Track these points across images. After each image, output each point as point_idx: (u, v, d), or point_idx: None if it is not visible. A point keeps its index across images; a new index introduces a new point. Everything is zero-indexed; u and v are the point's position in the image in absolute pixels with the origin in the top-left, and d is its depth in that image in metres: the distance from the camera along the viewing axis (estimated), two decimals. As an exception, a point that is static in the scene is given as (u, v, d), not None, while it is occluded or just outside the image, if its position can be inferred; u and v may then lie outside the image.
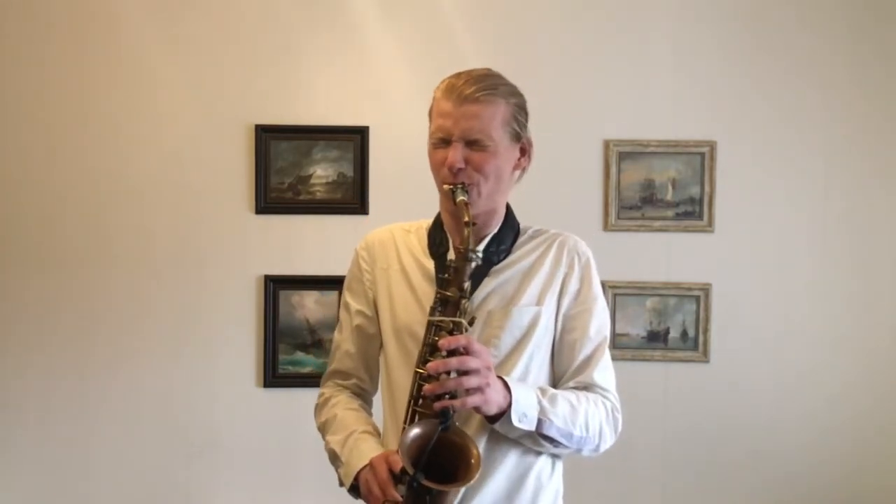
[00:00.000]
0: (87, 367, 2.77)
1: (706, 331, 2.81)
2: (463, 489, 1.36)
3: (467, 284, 1.39)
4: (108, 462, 2.78)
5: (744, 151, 2.81)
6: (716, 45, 2.80)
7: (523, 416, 1.37)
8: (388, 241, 1.62)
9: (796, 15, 2.80)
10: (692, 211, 2.81)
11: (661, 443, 2.82)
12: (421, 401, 1.37)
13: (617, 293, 2.75)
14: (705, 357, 2.82)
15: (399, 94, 2.78)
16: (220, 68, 2.77)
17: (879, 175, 2.82)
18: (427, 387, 1.33)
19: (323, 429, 1.60)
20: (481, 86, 1.46)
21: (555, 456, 1.52)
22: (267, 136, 2.77)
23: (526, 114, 1.55)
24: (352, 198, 2.79)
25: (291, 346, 2.80)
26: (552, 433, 1.40)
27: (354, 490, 1.46)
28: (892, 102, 2.81)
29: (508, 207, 1.58)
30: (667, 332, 2.82)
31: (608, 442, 1.50)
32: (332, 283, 2.77)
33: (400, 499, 1.32)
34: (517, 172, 1.55)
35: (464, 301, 1.39)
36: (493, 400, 1.34)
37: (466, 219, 1.39)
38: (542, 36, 2.80)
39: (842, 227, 2.82)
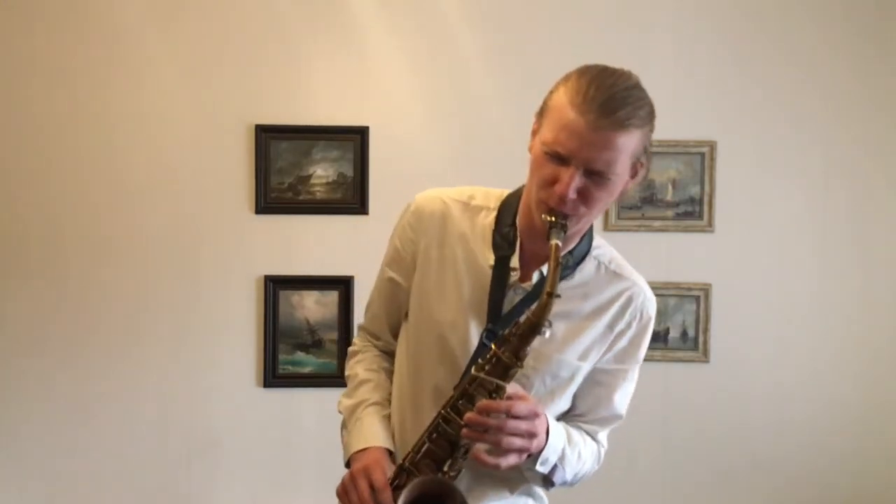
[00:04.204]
0: (87, 367, 2.77)
1: (706, 331, 2.81)
2: None
3: (526, 354, 1.28)
4: (108, 462, 2.78)
5: (744, 151, 2.81)
6: (716, 45, 2.80)
7: (545, 461, 1.35)
8: (439, 214, 1.44)
9: (796, 15, 2.80)
10: (692, 211, 2.81)
11: (661, 443, 2.82)
12: (436, 437, 1.33)
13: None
14: (705, 357, 2.82)
15: (399, 94, 2.78)
16: (220, 68, 2.77)
17: (879, 175, 2.82)
18: (465, 431, 1.26)
19: (346, 382, 1.58)
20: (624, 112, 1.25)
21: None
22: (267, 136, 2.77)
23: (652, 132, 1.35)
24: (352, 198, 2.79)
25: (291, 346, 2.80)
26: (556, 478, 1.40)
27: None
28: (892, 102, 2.81)
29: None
30: (667, 332, 2.82)
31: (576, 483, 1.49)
32: (332, 283, 2.78)
33: None
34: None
35: (516, 369, 1.29)
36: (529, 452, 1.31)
37: (549, 289, 1.23)
38: (541, 36, 2.80)
39: (842, 227, 2.82)
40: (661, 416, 2.82)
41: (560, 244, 1.26)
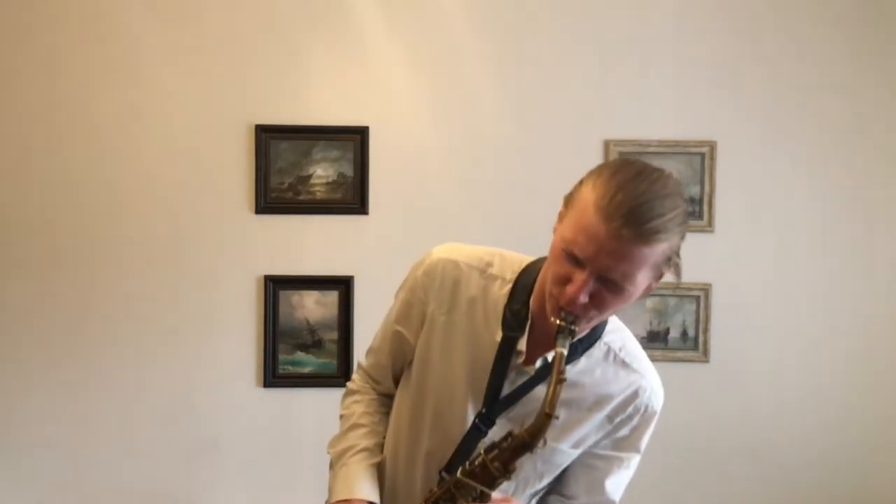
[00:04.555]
0: (86, 367, 2.77)
1: (706, 331, 2.81)
2: None
3: (515, 468, 1.25)
4: (108, 462, 2.78)
5: (744, 151, 2.81)
6: (716, 45, 2.80)
7: None
8: (451, 279, 1.38)
9: (796, 15, 2.80)
10: (692, 211, 2.81)
11: (661, 442, 2.81)
12: None
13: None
14: (705, 357, 2.82)
15: (399, 94, 2.78)
16: (220, 68, 2.77)
17: (878, 175, 2.82)
18: None
19: (340, 422, 1.56)
20: (652, 225, 1.14)
21: None
22: (267, 136, 2.77)
23: (683, 239, 1.23)
24: (352, 198, 2.79)
25: (291, 346, 2.80)
26: None
27: None
28: (892, 102, 2.81)
29: None
30: (667, 332, 2.82)
31: None
32: (333, 283, 2.78)
33: None
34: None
35: (503, 480, 1.26)
36: None
37: (548, 410, 1.18)
38: (542, 36, 2.80)
39: (842, 227, 2.82)
40: (660, 415, 2.82)
41: (565, 352, 1.20)
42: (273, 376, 2.79)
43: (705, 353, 2.82)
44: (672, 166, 2.80)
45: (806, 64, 2.80)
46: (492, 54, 2.80)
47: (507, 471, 1.25)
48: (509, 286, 1.36)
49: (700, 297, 2.81)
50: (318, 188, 2.79)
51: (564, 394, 1.24)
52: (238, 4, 2.77)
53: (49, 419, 2.77)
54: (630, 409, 1.38)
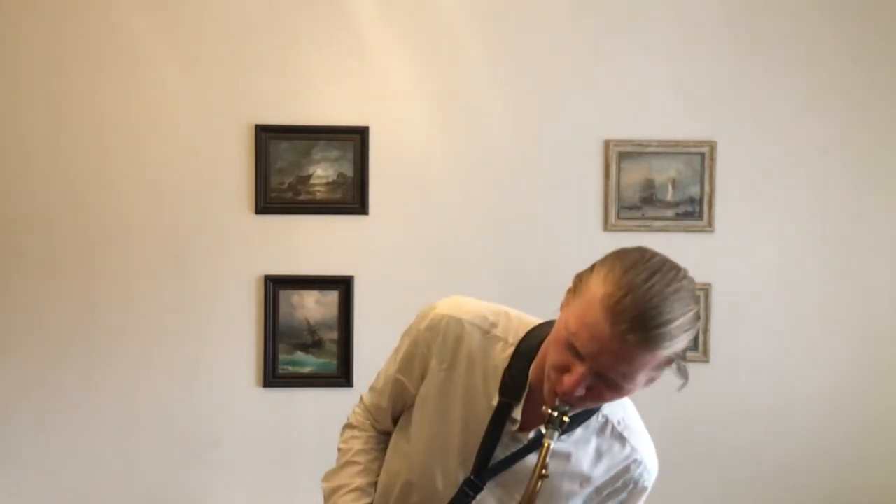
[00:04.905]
0: (86, 368, 2.77)
1: (706, 331, 2.81)
2: None
3: None
4: (108, 462, 2.78)
5: (744, 151, 2.81)
6: (716, 44, 2.80)
7: None
8: (454, 337, 1.35)
9: (796, 15, 2.80)
10: (692, 211, 2.81)
11: (661, 443, 2.81)
12: None
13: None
14: (705, 357, 2.82)
15: (399, 94, 2.77)
16: (220, 68, 2.77)
17: (879, 175, 2.82)
18: None
19: (337, 455, 1.54)
20: (658, 334, 1.09)
21: None
22: (267, 136, 2.77)
23: (690, 343, 1.18)
24: (352, 198, 2.78)
25: (291, 346, 2.80)
26: None
27: None
28: (892, 102, 2.81)
29: None
30: (667, 332, 2.82)
31: None
32: (333, 283, 2.78)
33: None
34: None
35: None
36: None
37: (539, 470, 1.17)
38: (542, 36, 2.80)
39: (841, 227, 2.82)
40: (660, 416, 2.82)
41: (552, 444, 1.18)
42: (273, 376, 2.79)
43: (705, 353, 2.82)
44: (672, 166, 2.80)
45: (806, 64, 2.80)
46: (492, 54, 2.80)
47: None
48: (511, 349, 1.32)
49: (700, 297, 2.81)
50: (318, 188, 2.79)
51: (555, 464, 1.25)
52: (238, 5, 2.77)
53: (48, 419, 2.77)
54: (619, 484, 1.37)
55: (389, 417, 1.50)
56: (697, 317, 1.16)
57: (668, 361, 1.15)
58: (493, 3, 2.80)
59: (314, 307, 2.80)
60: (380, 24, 2.79)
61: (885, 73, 2.81)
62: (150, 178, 2.77)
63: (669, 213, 2.81)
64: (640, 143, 2.80)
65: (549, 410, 1.18)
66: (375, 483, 1.48)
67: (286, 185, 2.79)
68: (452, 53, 2.79)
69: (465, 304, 1.38)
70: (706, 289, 2.81)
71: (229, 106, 2.77)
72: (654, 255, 1.18)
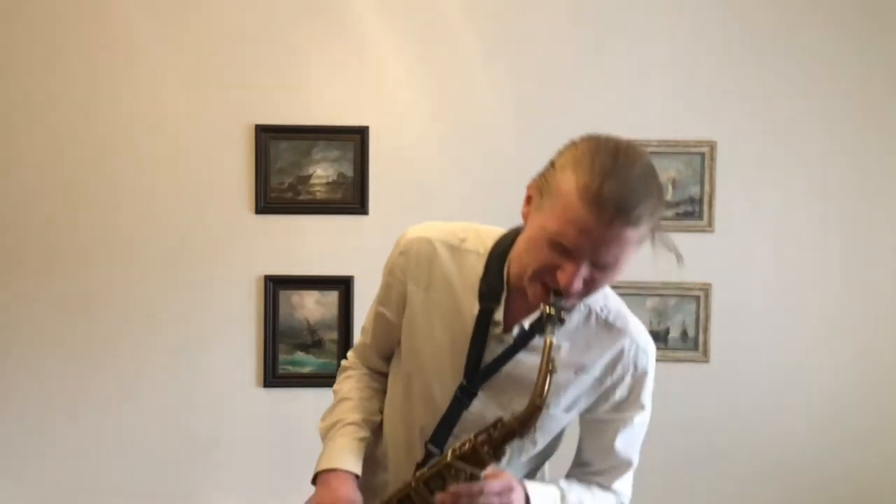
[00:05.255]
0: (86, 367, 2.77)
1: (706, 331, 2.81)
2: None
3: (504, 454, 1.26)
4: (108, 462, 2.78)
5: (744, 151, 2.81)
6: (715, 44, 2.80)
7: None
8: (426, 256, 1.40)
9: (796, 15, 2.80)
10: (692, 211, 2.81)
11: (661, 443, 2.82)
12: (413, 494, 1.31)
13: (617, 293, 2.75)
14: (705, 357, 2.82)
15: (399, 94, 2.77)
16: (220, 68, 2.77)
17: (879, 175, 2.82)
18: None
19: (333, 398, 1.59)
20: (638, 213, 1.16)
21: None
22: (267, 136, 2.77)
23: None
24: (352, 198, 2.78)
25: (291, 346, 2.80)
26: None
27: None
28: (891, 102, 2.81)
29: None
30: (667, 332, 2.82)
31: None
32: (333, 283, 2.78)
33: None
34: None
35: (492, 464, 1.26)
36: None
37: (539, 402, 1.19)
38: (542, 36, 2.80)
39: (841, 227, 2.82)
40: (660, 416, 2.81)
41: (555, 341, 1.21)
42: (273, 376, 2.79)
43: (705, 353, 2.82)
44: (672, 166, 2.80)
45: (806, 63, 2.80)
46: (491, 54, 2.80)
47: (496, 455, 1.25)
48: (484, 259, 1.37)
49: (700, 297, 2.81)
50: (318, 188, 2.79)
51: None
52: (238, 4, 2.77)
53: (48, 419, 2.77)
54: (619, 370, 1.38)
55: (375, 354, 1.55)
56: (661, 188, 1.25)
57: (652, 230, 1.23)
58: (493, 3, 2.80)
59: (314, 307, 2.80)
60: (380, 25, 2.78)
61: (886, 73, 2.80)
62: (150, 178, 2.77)
63: (669, 213, 2.81)
64: (639, 143, 2.79)
65: (546, 308, 1.21)
66: (371, 422, 1.50)
67: (286, 185, 2.79)
68: (452, 53, 2.79)
69: (434, 226, 1.43)
70: (706, 289, 2.81)
71: (229, 106, 2.77)
72: (605, 136, 1.23)
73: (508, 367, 1.35)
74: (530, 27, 2.80)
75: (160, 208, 2.77)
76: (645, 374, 1.41)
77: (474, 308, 1.35)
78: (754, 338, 2.83)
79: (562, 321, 1.23)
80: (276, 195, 2.78)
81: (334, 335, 2.80)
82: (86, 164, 2.76)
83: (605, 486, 1.44)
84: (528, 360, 1.33)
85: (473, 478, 1.26)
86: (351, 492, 1.37)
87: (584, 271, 1.19)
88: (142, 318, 2.78)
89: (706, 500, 2.85)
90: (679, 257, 1.31)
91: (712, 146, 2.80)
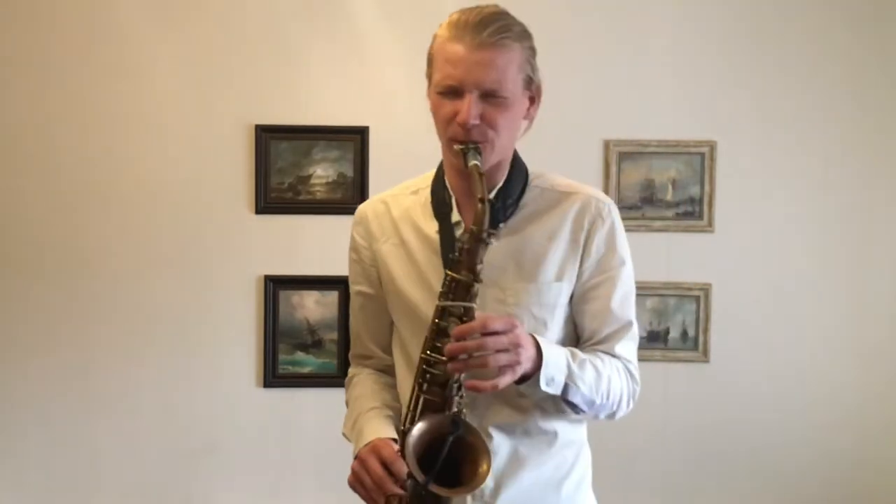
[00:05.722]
0: (87, 368, 2.77)
1: (706, 331, 2.81)
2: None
3: (480, 267, 1.28)
4: (108, 462, 2.78)
5: (744, 151, 2.81)
6: (716, 45, 2.80)
7: (551, 381, 1.31)
8: (381, 212, 1.50)
9: (796, 15, 2.80)
10: (692, 211, 2.81)
11: (661, 442, 2.82)
12: (427, 387, 1.29)
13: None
14: (705, 357, 2.82)
15: (399, 94, 2.77)
16: (220, 68, 2.77)
17: (879, 175, 2.82)
18: (451, 366, 1.24)
19: (347, 408, 1.58)
20: (496, 27, 1.31)
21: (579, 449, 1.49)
22: (267, 136, 2.77)
23: (535, 55, 1.41)
24: (352, 198, 2.78)
25: (291, 346, 2.80)
26: (577, 400, 1.34)
27: None
28: (891, 102, 2.81)
29: (515, 153, 1.46)
30: (667, 332, 2.82)
31: (624, 410, 1.44)
32: (333, 283, 2.77)
33: (400, 491, 1.27)
34: (525, 122, 1.42)
35: (476, 285, 1.28)
36: (524, 369, 1.26)
37: (480, 195, 1.25)
38: (542, 36, 2.76)
39: (841, 227, 2.82)
40: (661, 416, 2.82)
41: (479, 164, 1.29)
42: (273, 376, 2.79)
43: (705, 353, 2.82)
44: (672, 166, 2.81)
45: (806, 63, 2.80)
46: (492, 54, 2.80)
47: (473, 274, 1.28)
48: (429, 187, 1.47)
49: (700, 297, 2.81)
50: (318, 188, 2.79)
51: (517, 237, 1.40)
52: (238, 5, 2.78)
53: (48, 419, 2.77)
54: (586, 224, 1.42)
55: (370, 342, 1.56)
56: (525, 27, 1.40)
57: (528, 55, 1.37)
58: (493, 3, 2.80)
59: (314, 307, 2.80)
60: (380, 24, 2.79)
61: (887, 73, 2.80)
62: (150, 178, 2.77)
63: (669, 213, 2.81)
64: (640, 143, 2.80)
65: (459, 147, 1.31)
66: (391, 407, 1.50)
67: (286, 185, 2.79)
68: (452, 53, 2.78)
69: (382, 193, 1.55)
70: (706, 289, 2.81)
71: (229, 106, 2.77)
72: None
73: (487, 257, 1.34)
74: (530, 27, 2.78)
75: (160, 208, 2.77)
76: (613, 223, 1.44)
77: (435, 226, 1.43)
78: (754, 338, 2.83)
79: (478, 149, 1.30)
80: (276, 195, 2.78)
81: (334, 335, 2.80)
82: (86, 164, 2.76)
83: (611, 353, 1.43)
84: (505, 245, 1.39)
85: (468, 311, 1.28)
86: (390, 443, 1.35)
87: (476, 104, 1.29)
88: (142, 319, 2.78)
89: (706, 499, 2.85)
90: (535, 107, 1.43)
91: (712, 146, 2.80)
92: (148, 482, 2.79)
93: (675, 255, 2.81)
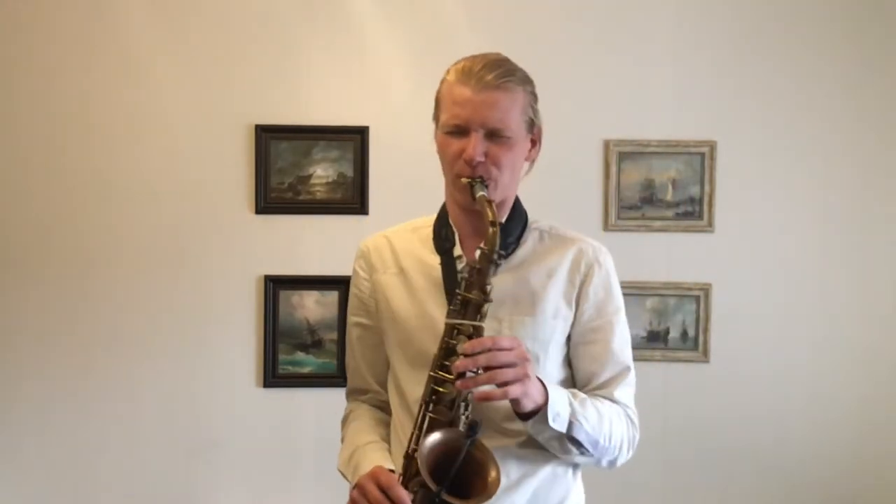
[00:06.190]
0: (87, 368, 2.77)
1: (706, 331, 2.81)
2: None
3: (490, 287, 1.32)
4: (108, 462, 2.78)
5: (744, 151, 2.81)
6: (716, 45, 2.80)
7: (557, 416, 1.32)
8: (383, 245, 1.55)
9: (796, 15, 2.80)
10: (692, 211, 2.81)
11: (661, 443, 2.82)
12: (434, 406, 1.32)
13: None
14: (705, 357, 2.82)
15: (399, 94, 2.77)
16: (220, 68, 2.77)
17: (879, 175, 2.82)
18: (459, 383, 1.26)
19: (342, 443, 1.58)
20: (500, 71, 1.38)
21: (575, 467, 1.49)
22: (267, 136, 2.77)
23: (537, 100, 1.47)
24: (352, 198, 2.79)
25: (291, 346, 2.80)
26: (581, 437, 1.35)
27: None
28: (891, 102, 2.81)
29: (516, 198, 1.52)
30: (667, 332, 2.82)
31: (625, 456, 1.45)
32: (333, 283, 2.77)
33: None
34: (527, 164, 1.49)
35: (486, 305, 1.32)
36: (532, 393, 1.28)
37: (492, 218, 1.31)
38: (542, 36, 2.80)
39: (841, 227, 2.82)
40: (661, 416, 2.82)
41: (486, 195, 1.34)
42: (273, 376, 2.79)
43: (705, 353, 2.82)
44: (672, 166, 2.81)
45: (806, 63, 2.80)
46: (492, 54, 2.80)
47: (484, 293, 1.32)
48: (432, 224, 1.52)
49: (700, 297, 2.81)
50: (318, 188, 2.79)
51: (515, 275, 1.43)
52: (238, 4, 2.78)
53: (48, 419, 2.77)
54: (583, 267, 1.47)
55: (369, 376, 1.58)
56: (526, 73, 1.45)
57: (530, 99, 1.42)
58: (493, 2, 2.80)
59: (314, 307, 2.80)
60: (380, 24, 2.79)
61: (887, 73, 2.80)
62: (150, 178, 2.77)
63: (669, 213, 2.81)
64: (640, 143, 2.80)
65: (465, 181, 1.37)
66: (384, 437, 1.52)
67: (286, 185, 2.79)
68: (452, 53, 2.76)
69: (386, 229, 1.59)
70: (706, 289, 2.81)
71: (229, 106, 2.77)
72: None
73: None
74: (530, 27, 2.80)
75: (160, 208, 2.77)
76: (609, 270, 1.49)
77: (437, 260, 1.47)
78: (754, 338, 2.83)
79: (484, 183, 1.36)
80: (276, 195, 2.78)
81: (334, 335, 2.80)
82: (86, 164, 2.76)
83: (611, 399, 1.45)
84: (506, 282, 1.41)
85: (477, 330, 1.31)
86: (387, 471, 1.36)
87: (481, 142, 1.35)
88: (142, 318, 2.78)
89: (706, 499, 2.85)
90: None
91: (712, 146, 2.80)
92: (148, 482, 2.79)
93: (675, 255, 2.81)
